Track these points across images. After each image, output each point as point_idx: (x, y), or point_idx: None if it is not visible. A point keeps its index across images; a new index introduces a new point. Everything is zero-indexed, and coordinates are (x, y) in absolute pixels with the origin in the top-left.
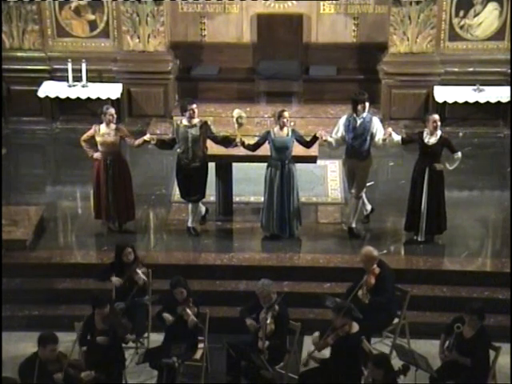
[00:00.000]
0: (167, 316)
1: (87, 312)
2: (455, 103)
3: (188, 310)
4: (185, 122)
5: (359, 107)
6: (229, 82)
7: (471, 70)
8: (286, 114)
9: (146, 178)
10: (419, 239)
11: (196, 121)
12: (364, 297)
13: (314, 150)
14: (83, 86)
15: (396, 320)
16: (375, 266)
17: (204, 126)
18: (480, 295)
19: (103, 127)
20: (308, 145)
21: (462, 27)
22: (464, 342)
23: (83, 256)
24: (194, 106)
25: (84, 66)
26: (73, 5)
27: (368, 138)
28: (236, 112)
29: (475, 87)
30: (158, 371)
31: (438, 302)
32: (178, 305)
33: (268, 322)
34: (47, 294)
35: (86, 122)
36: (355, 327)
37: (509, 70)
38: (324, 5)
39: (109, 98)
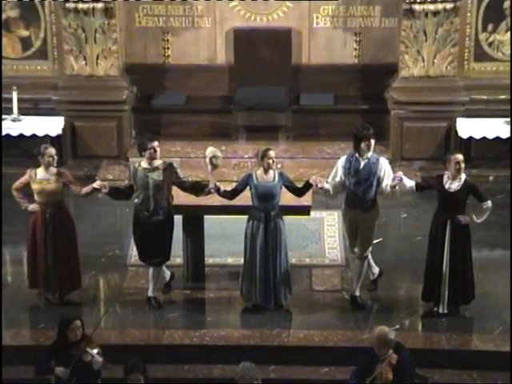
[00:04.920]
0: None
1: None
2: (483, 139)
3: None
4: (144, 164)
5: (363, 145)
6: (199, 113)
7: (503, 97)
8: (271, 153)
9: (95, 235)
10: (441, 311)
11: (158, 163)
12: None
13: (306, 199)
14: (14, 120)
15: None
16: (391, 351)
17: (168, 168)
18: None
19: (40, 172)
20: (299, 193)
21: (490, 44)
22: None
23: (13, 336)
24: (156, 143)
25: (15, 95)
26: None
27: (374, 183)
28: (209, 151)
29: (507, 119)
30: None
31: None
32: None
33: None
34: None
35: (18, 165)
36: None
37: None
38: (318, 18)
39: (47, 135)
